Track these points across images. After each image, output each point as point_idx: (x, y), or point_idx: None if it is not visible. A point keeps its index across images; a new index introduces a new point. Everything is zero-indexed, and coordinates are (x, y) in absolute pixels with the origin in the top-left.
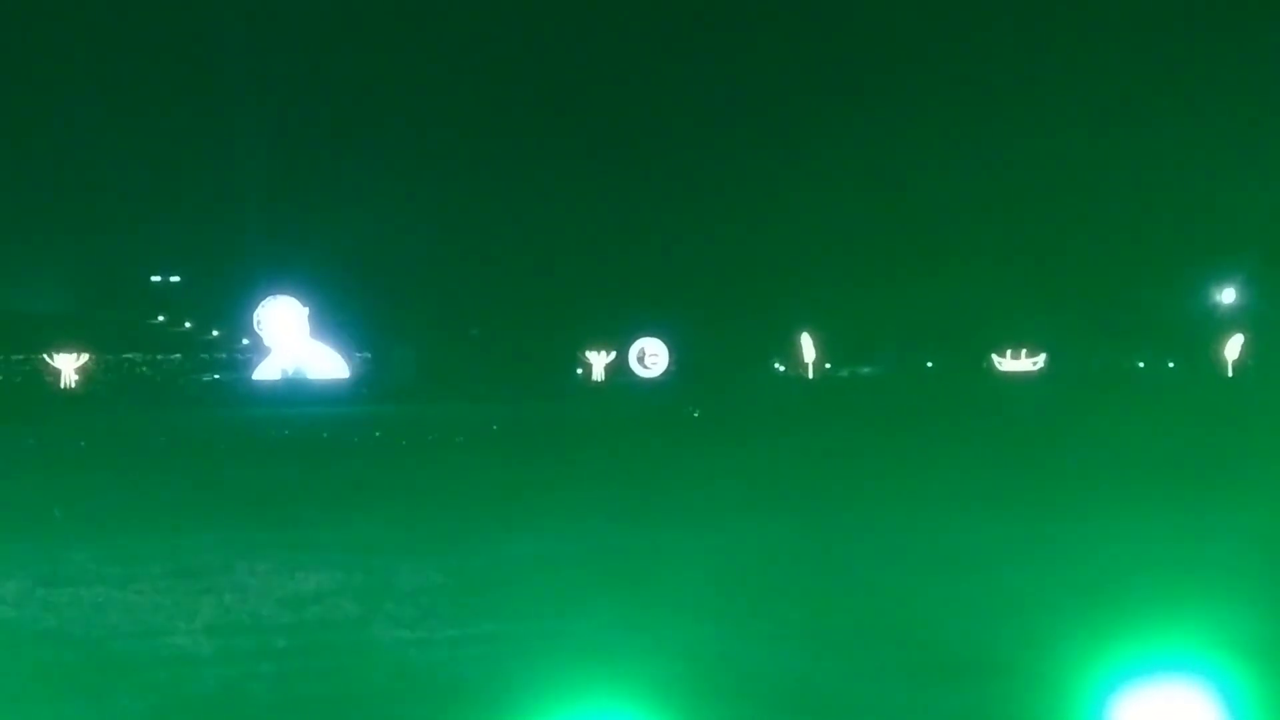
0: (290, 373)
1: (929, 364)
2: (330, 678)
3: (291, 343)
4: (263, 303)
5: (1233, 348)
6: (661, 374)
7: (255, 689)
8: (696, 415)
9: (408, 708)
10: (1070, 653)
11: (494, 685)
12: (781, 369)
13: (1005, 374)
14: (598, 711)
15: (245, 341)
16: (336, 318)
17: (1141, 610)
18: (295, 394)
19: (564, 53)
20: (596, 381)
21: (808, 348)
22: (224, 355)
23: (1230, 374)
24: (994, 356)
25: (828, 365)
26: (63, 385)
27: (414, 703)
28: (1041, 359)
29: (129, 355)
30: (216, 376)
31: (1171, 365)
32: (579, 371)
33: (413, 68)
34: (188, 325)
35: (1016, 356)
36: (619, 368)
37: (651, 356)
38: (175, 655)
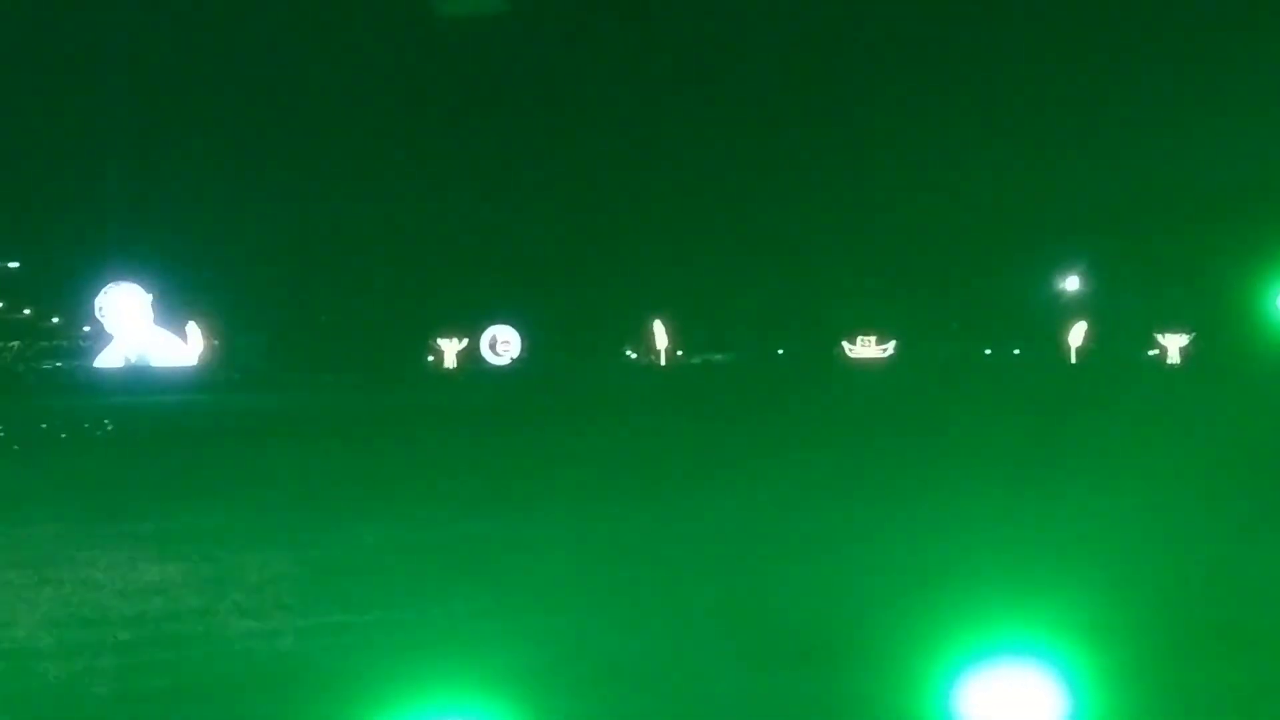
0: (134, 360)
1: (780, 351)
2: (175, 670)
3: (135, 329)
4: (105, 289)
5: (1076, 335)
6: (513, 361)
7: (97, 683)
8: (548, 403)
9: (255, 700)
10: (918, 636)
11: (345, 676)
12: (634, 356)
13: (855, 360)
14: (451, 703)
15: (87, 329)
16: (181, 304)
17: (987, 594)
18: (140, 382)
19: (414, 43)
20: (448, 369)
21: (660, 335)
22: (65, 343)
23: (1073, 360)
24: (844, 344)
25: (680, 352)
26: None
27: (262, 695)
28: (891, 346)
29: None
30: (57, 364)
31: (1017, 352)
32: (430, 359)
33: (264, 55)
34: (26, 312)
35: (866, 344)
36: (471, 355)
37: (503, 344)
38: (14, 649)
